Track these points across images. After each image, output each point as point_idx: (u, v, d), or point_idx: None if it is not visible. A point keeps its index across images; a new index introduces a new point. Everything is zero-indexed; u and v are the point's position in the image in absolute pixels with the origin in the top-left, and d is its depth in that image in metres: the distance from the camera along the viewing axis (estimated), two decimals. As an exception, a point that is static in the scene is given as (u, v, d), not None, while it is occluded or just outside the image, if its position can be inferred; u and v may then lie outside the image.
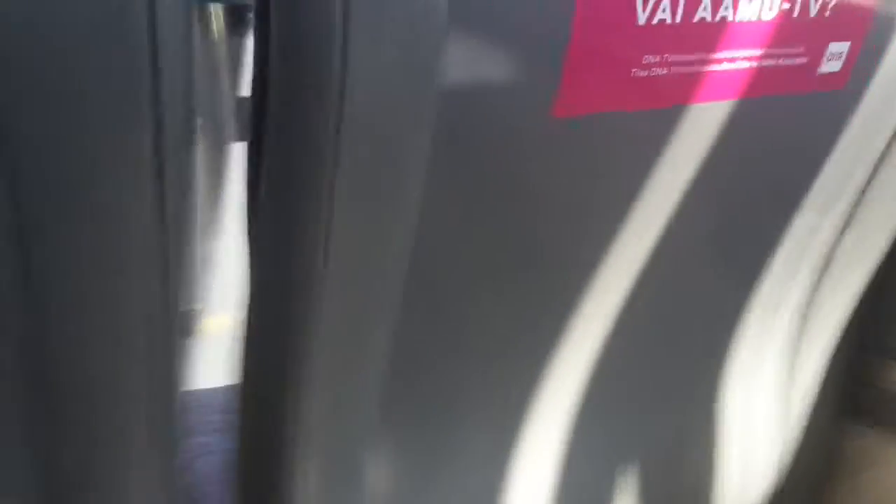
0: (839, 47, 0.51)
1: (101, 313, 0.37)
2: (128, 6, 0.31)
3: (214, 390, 0.86)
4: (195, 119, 0.37)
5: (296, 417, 0.46)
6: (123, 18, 0.31)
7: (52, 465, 0.40)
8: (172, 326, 0.39)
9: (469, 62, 0.42)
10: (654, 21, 0.44)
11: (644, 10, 0.43)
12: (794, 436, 0.72)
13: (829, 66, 0.52)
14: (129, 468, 0.42)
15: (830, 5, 0.49)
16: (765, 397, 0.70)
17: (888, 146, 0.59)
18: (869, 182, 0.60)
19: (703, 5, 0.45)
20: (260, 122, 0.41)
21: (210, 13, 1.44)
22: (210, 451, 0.73)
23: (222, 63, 1.46)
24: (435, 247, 0.47)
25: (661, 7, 0.44)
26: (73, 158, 0.33)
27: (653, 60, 0.45)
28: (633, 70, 0.45)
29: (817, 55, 0.51)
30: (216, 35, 1.44)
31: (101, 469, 0.41)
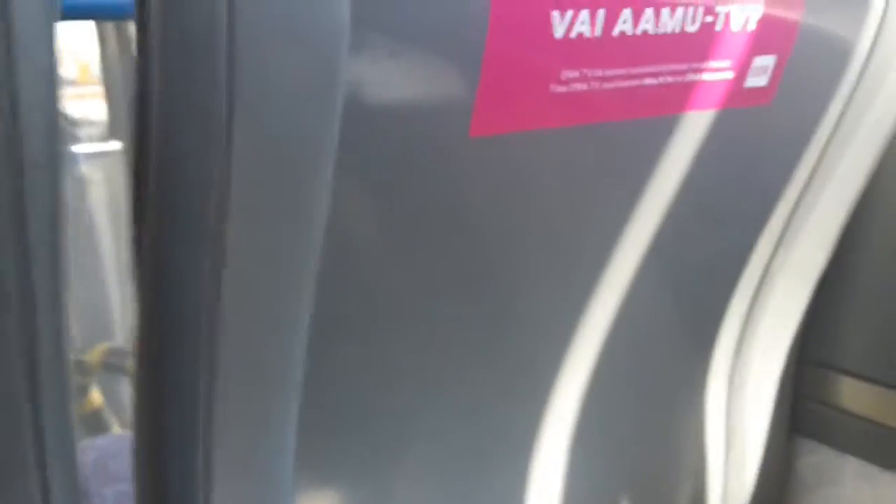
0: (764, 61, 0.50)
1: None
2: None
3: (120, 437, 0.82)
4: (60, 138, 0.33)
5: (194, 471, 0.42)
6: None
7: None
8: (59, 364, 0.35)
9: (379, 77, 0.39)
10: (573, 34, 0.42)
11: (561, 22, 0.41)
12: (746, 454, 0.71)
13: (755, 80, 0.50)
14: None
15: (754, 19, 0.48)
16: (714, 419, 0.69)
17: (818, 160, 0.57)
18: (802, 196, 0.59)
19: (622, 18, 0.43)
20: (142, 138, 0.37)
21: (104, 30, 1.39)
22: (132, 498, 0.69)
23: (120, 81, 1.41)
24: (345, 273, 0.44)
25: (580, 20, 0.41)
26: None
27: (572, 76, 0.43)
28: (552, 86, 0.43)
29: (743, 69, 0.49)
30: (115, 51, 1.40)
31: None
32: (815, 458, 0.73)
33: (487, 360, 0.53)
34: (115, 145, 1.53)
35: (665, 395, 0.65)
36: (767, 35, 0.49)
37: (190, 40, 0.33)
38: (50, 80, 0.31)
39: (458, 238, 0.47)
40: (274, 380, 0.43)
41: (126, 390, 1.50)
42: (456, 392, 0.53)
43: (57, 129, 0.32)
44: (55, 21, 0.31)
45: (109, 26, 1.39)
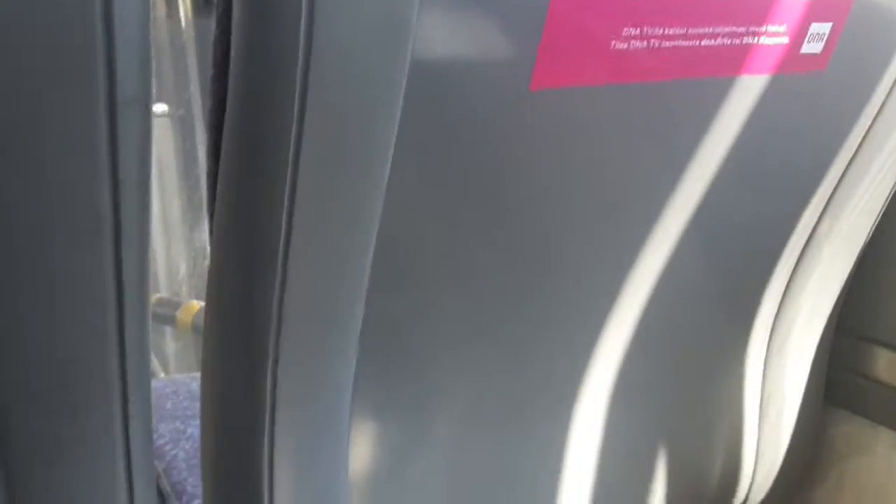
0: (821, 28, 0.50)
1: (58, 290, 0.35)
2: None
3: (192, 377, 0.84)
4: (150, 96, 0.35)
5: (262, 402, 0.44)
6: None
7: (17, 441, 0.38)
8: (141, 305, 0.37)
9: (442, 33, 0.41)
10: (635, -8, 0.43)
11: (625, -21, 0.42)
12: (781, 420, 0.72)
13: (811, 46, 0.51)
14: (99, 450, 0.40)
15: (813, -17, 0.48)
16: (751, 385, 0.70)
17: (869, 129, 0.58)
18: (850, 165, 0.59)
19: (685, -22, 0.44)
20: (221, 98, 0.39)
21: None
22: (186, 436, 0.72)
23: (190, 42, 1.43)
24: (410, 229, 0.45)
25: (643, -22, 0.42)
26: (24, 133, 0.31)
27: (633, 33, 0.44)
28: (613, 42, 0.44)
29: (799, 35, 0.50)
30: (185, 15, 1.42)
31: (68, 449, 0.39)
32: (848, 427, 0.74)
33: (532, 313, 0.55)
34: (161, 107, 1.55)
35: (705, 358, 0.66)
36: (824, 2, 0.49)
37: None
38: (143, 23, 0.33)
39: (510, 190, 0.49)
40: (335, 326, 0.45)
41: (169, 341, 1.53)
42: (502, 342, 0.55)
43: (147, 68, 0.33)
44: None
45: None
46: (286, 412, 0.44)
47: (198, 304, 1.39)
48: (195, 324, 1.35)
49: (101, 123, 0.32)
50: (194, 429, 0.75)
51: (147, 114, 0.35)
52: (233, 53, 0.37)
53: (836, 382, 0.73)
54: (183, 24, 1.41)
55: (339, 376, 0.46)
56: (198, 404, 0.76)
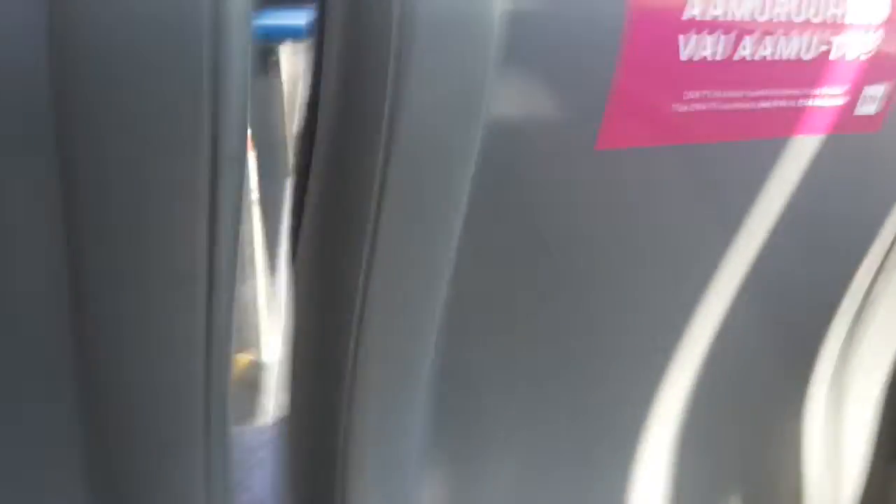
0: (875, 90, 0.52)
1: (154, 340, 0.37)
2: (194, 40, 0.32)
3: (249, 429, 0.86)
4: (246, 156, 0.37)
5: (347, 445, 0.46)
6: (190, 47, 0.32)
7: (104, 491, 0.40)
8: (223, 356, 0.39)
9: (516, 95, 0.43)
10: (697, 58, 0.45)
11: (687, 46, 0.44)
12: (843, 478, 0.71)
13: (865, 108, 0.52)
14: (185, 490, 0.42)
15: (868, 48, 0.50)
16: (812, 441, 0.69)
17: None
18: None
19: (743, 44, 0.45)
20: (307, 155, 0.41)
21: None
22: (246, 487, 0.73)
23: (278, 100, 1.48)
24: (476, 275, 0.47)
25: (704, 44, 0.44)
26: (132, 180, 0.34)
27: (694, 96, 0.46)
28: (675, 105, 0.46)
29: (854, 97, 0.51)
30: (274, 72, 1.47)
31: (157, 488, 0.41)
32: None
33: (595, 366, 0.56)
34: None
35: (763, 414, 0.66)
36: (879, 64, 0.51)
37: (361, 55, 0.37)
38: (243, 86, 0.35)
39: (574, 246, 0.50)
40: (407, 378, 0.46)
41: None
42: (564, 394, 0.56)
43: (245, 130, 0.36)
44: (251, 41, 0.36)
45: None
46: (360, 458, 0.46)
47: (245, 359, 1.41)
48: (243, 378, 1.37)
49: (204, 179, 0.35)
50: (252, 479, 0.76)
51: (243, 171, 0.38)
52: (321, 114, 0.39)
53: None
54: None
55: (411, 426, 0.48)
56: (254, 457, 0.78)
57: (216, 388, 0.41)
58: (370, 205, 0.40)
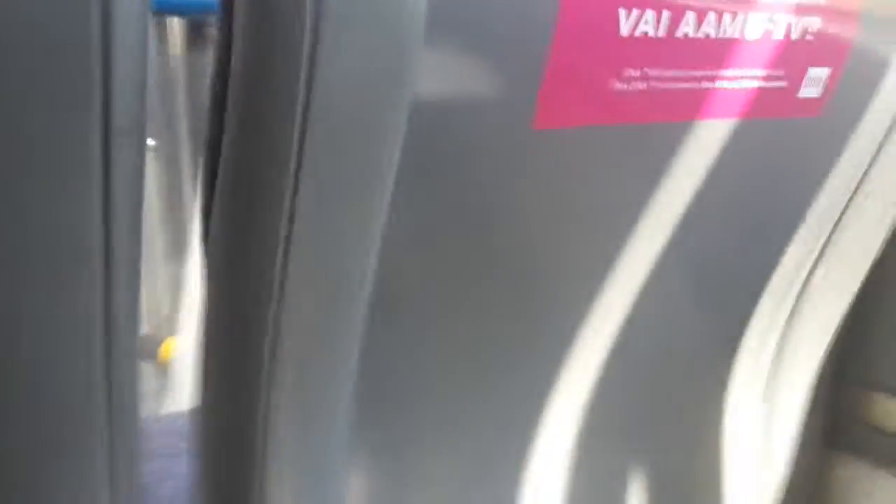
0: (819, 72, 0.50)
1: (43, 324, 0.34)
2: (82, 13, 0.29)
3: (176, 414, 0.83)
4: (145, 128, 0.34)
5: (265, 434, 0.43)
6: (77, 23, 0.29)
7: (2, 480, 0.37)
8: (128, 341, 0.36)
9: (446, 71, 0.40)
10: (637, 33, 0.42)
11: (627, 20, 0.42)
12: (779, 468, 0.71)
13: (808, 91, 0.51)
14: (86, 490, 0.38)
15: (812, 29, 0.48)
16: (748, 428, 0.69)
17: (864, 175, 0.58)
18: (844, 210, 0.59)
19: (686, 20, 0.44)
20: (217, 130, 0.38)
21: (167, 27, 1.41)
22: (172, 475, 0.70)
23: (180, 77, 1.43)
24: (407, 262, 0.45)
25: (644, 19, 0.42)
26: (17, 158, 0.30)
27: (634, 74, 0.44)
28: (614, 83, 0.43)
29: (797, 79, 0.50)
30: (175, 49, 1.42)
31: (54, 488, 0.38)
32: (848, 472, 0.73)
33: (525, 348, 0.54)
34: (149, 142, 1.55)
35: (684, 398, 0.66)
36: (824, 46, 0.50)
37: (274, 27, 0.34)
38: (140, 51, 0.32)
39: (506, 228, 0.48)
40: (332, 359, 0.44)
41: (149, 378, 1.51)
42: (496, 379, 0.54)
43: (143, 101, 0.33)
44: (148, 11, 0.33)
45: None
46: (281, 446, 0.44)
47: (178, 341, 1.37)
48: (176, 361, 1.33)
49: (95, 151, 0.32)
50: (180, 467, 0.73)
51: (141, 146, 0.34)
52: (232, 89, 0.37)
53: (837, 427, 0.72)
54: (172, 58, 1.41)
55: (334, 410, 0.46)
56: (183, 442, 0.74)
57: (119, 376, 0.38)
58: (287, 184, 0.37)
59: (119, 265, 0.35)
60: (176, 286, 1.55)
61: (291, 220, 0.38)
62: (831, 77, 0.51)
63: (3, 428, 0.36)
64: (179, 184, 1.54)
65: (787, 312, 0.65)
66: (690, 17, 0.43)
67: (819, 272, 0.62)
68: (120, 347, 0.37)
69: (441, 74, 0.40)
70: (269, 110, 0.36)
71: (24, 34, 0.29)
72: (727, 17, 0.45)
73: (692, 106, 0.47)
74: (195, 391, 0.45)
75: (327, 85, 0.35)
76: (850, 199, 0.59)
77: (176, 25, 1.39)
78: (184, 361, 1.31)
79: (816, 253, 0.62)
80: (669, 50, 0.44)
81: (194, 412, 0.46)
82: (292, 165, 0.37)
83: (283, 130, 0.36)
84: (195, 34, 1.41)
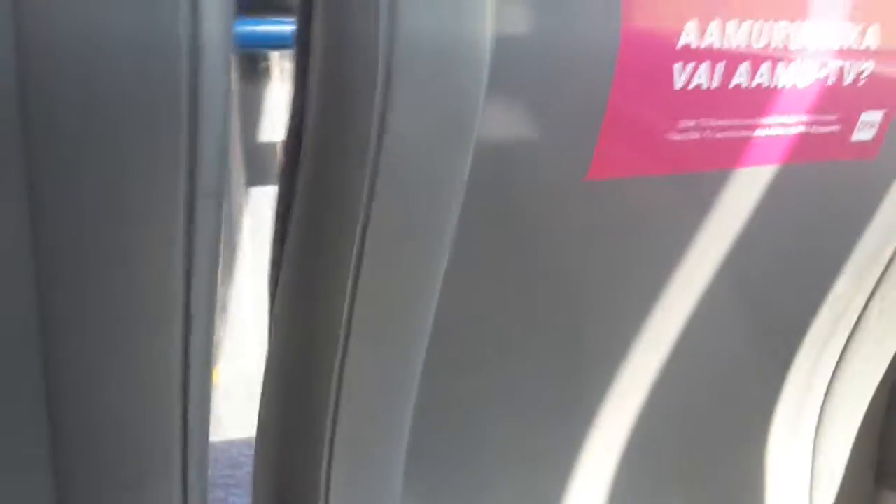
0: (872, 116, 0.51)
1: (124, 361, 0.36)
2: (172, 55, 0.31)
3: (227, 443, 0.84)
4: (229, 171, 0.36)
5: (315, 477, 0.44)
6: (167, 66, 0.31)
7: None
8: (203, 385, 0.38)
9: (506, 124, 0.42)
10: (691, 86, 0.44)
11: (682, 74, 0.43)
12: (823, 499, 0.70)
13: (862, 134, 0.51)
14: None
15: (864, 74, 0.49)
16: (795, 466, 0.69)
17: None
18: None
19: (739, 72, 0.44)
20: (291, 176, 0.40)
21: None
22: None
23: (234, 111, 1.47)
24: (461, 307, 0.46)
25: (698, 73, 0.43)
26: (106, 203, 0.32)
27: (688, 125, 0.45)
28: (668, 134, 0.44)
29: (850, 123, 0.50)
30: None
31: None
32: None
33: (579, 390, 0.55)
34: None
35: (730, 437, 0.66)
36: (876, 90, 0.50)
37: (349, 66, 0.36)
38: (224, 116, 0.34)
39: (563, 274, 0.49)
40: (390, 407, 0.45)
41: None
42: (552, 421, 0.55)
43: (226, 162, 0.35)
44: (230, 56, 0.34)
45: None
46: (340, 490, 0.45)
47: (222, 369, 1.39)
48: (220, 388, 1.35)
49: (180, 217, 0.33)
50: (235, 497, 0.75)
51: (220, 209, 0.36)
52: (305, 136, 0.38)
53: (887, 465, 0.72)
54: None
55: (393, 455, 0.47)
56: (238, 472, 0.76)
57: (193, 416, 0.40)
58: (355, 228, 0.39)
59: (197, 318, 0.37)
60: (221, 313, 1.58)
61: (359, 267, 0.40)
62: (885, 120, 0.51)
63: (91, 460, 0.38)
64: (229, 209, 1.58)
65: (839, 350, 0.65)
66: (743, 68, 0.44)
67: (874, 308, 0.62)
68: (196, 390, 0.39)
69: (501, 125, 0.42)
70: (342, 161, 0.38)
71: (116, 97, 0.30)
72: (780, 67, 0.45)
73: (745, 153, 0.48)
74: (259, 424, 0.47)
75: (397, 135, 0.36)
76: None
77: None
78: (228, 389, 1.34)
79: (870, 289, 0.62)
80: (723, 100, 0.45)
81: (246, 444, 0.48)
82: (361, 213, 0.38)
83: (354, 178, 0.37)
84: (248, 67, 1.44)
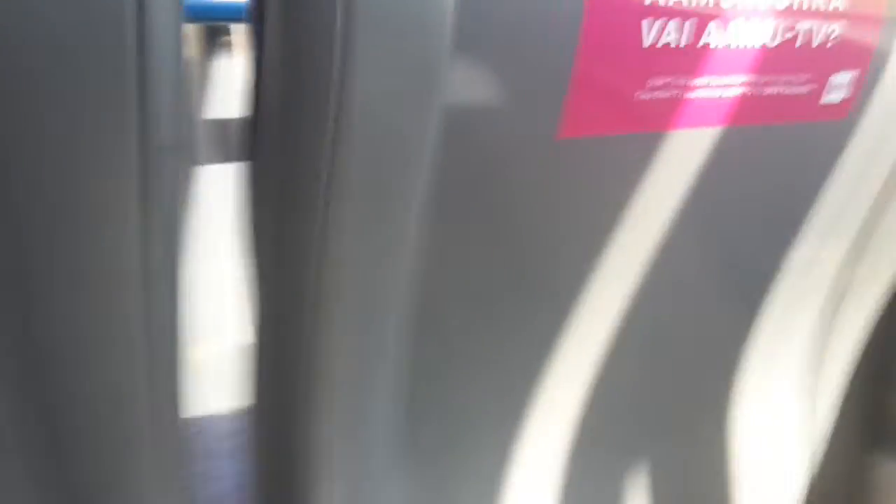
0: (842, 78, 0.50)
1: (89, 328, 0.35)
2: (116, 18, 0.29)
3: (214, 417, 0.84)
4: (187, 137, 0.35)
5: (310, 438, 0.44)
6: (111, 6, 0.29)
7: (56, 491, 0.38)
8: (170, 350, 0.37)
9: (473, 84, 0.41)
10: (659, 44, 0.43)
11: (650, 31, 0.42)
12: (814, 466, 0.71)
13: (832, 96, 0.51)
14: (135, 493, 0.39)
15: (834, 36, 0.48)
16: (781, 426, 0.69)
17: (890, 176, 0.58)
18: (878, 212, 0.59)
19: (708, 30, 0.44)
20: (254, 143, 0.39)
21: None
22: (217, 475, 0.71)
23: (193, 84, 1.44)
24: (435, 267, 0.45)
25: (667, 31, 0.42)
26: (56, 157, 0.31)
27: (657, 84, 0.44)
28: (638, 93, 0.43)
29: (820, 85, 0.50)
30: (190, 55, 1.42)
31: (104, 495, 0.39)
32: (888, 470, 0.72)
33: (542, 338, 0.55)
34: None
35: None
36: (846, 52, 0.49)
37: (307, 33, 0.35)
38: (176, 69, 0.32)
39: (535, 234, 0.48)
40: (371, 368, 0.45)
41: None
42: (510, 365, 0.54)
43: (182, 116, 0.33)
44: (181, 21, 0.33)
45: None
46: (324, 455, 0.44)
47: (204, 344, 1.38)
48: (213, 364, 1.33)
49: (134, 170, 0.32)
50: (222, 469, 0.74)
51: (180, 165, 0.35)
52: (262, 105, 0.37)
53: (876, 428, 0.72)
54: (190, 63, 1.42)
55: (374, 416, 0.46)
56: (225, 444, 0.75)
57: (163, 385, 0.39)
58: (319, 193, 0.38)
59: (159, 281, 0.35)
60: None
61: (325, 232, 0.39)
62: (855, 82, 0.51)
63: (62, 431, 0.37)
64: (190, 187, 1.55)
65: (826, 312, 0.65)
66: (712, 27, 0.43)
67: (858, 272, 0.62)
68: (162, 356, 0.38)
69: (468, 84, 0.40)
70: (302, 121, 0.37)
71: (60, 40, 0.29)
72: (748, 27, 0.45)
73: (715, 114, 0.47)
74: (247, 395, 0.46)
75: (359, 97, 0.36)
76: (877, 200, 0.59)
77: (191, 31, 1.40)
78: (210, 364, 1.32)
79: (851, 253, 0.61)
80: (692, 59, 0.44)
81: (244, 415, 0.47)
82: (324, 177, 0.37)
83: (316, 140, 0.36)
84: (209, 40, 1.42)
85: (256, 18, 0.36)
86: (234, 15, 0.81)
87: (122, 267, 0.33)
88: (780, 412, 0.69)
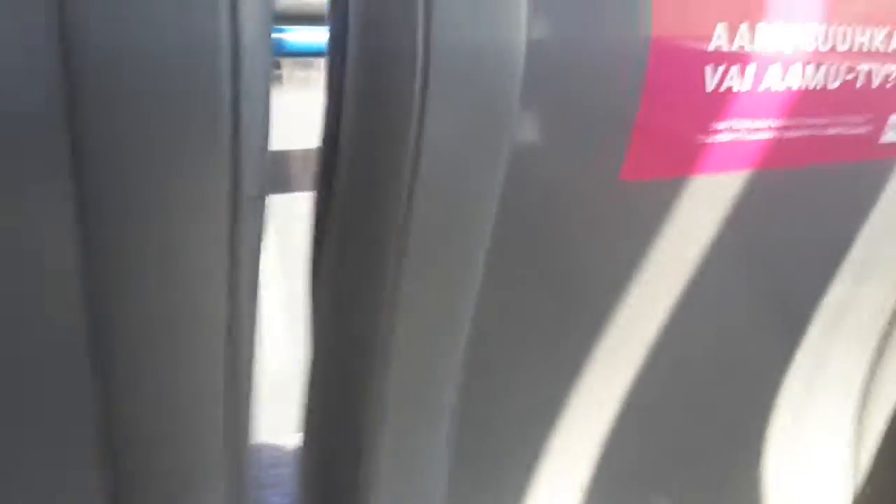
0: (900, 117, 0.51)
1: (175, 372, 0.36)
2: (213, 57, 0.31)
3: (259, 446, 0.85)
4: (267, 174, 0.36)
5: (364, 478, 0.45)
6: (209, 67, 0.31)
7: None
8: (249, 384, 0.38)
9: (539, 126, 0.42)
10: (722, 88, 0.44)
11: (713, 77, 0.43)
12: (861, 485, 0.70)
13: (891, 136, 0.51)
14: None
15: (893, 77, 0.49)
16: (817, 477, 0.68)
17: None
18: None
19: (769, 73, 0.45)
20: (328, 183, 0.40)
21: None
22: None
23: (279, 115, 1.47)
24: (499, 307, 0.46)
25: (730, 75, 0.43)
26: (153, 204, 0.33)
27: (719, 127, 0.45)
28: (700, 136, 0.45)
29: (879, 125, 0.50)
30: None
31: None
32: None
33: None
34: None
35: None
36: (905, 92, 0.50)
37: (386, 75, 0.36)
38: (264, 119, 0.34)
39: (596, 275, 0.49)
40: (432, 404, 0.46)
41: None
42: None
43: (266, 166, 0.35)
44: (269, 60, 0.35)
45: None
46: (378, 487, 0.45)
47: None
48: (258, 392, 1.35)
49: (226, 216, 0.34)
50: (275, 497, 0.75)
51: (263, 209, 0.36)
52: (342, 142, 0.38)
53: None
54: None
55: (431, 454, 0.47)
56: (276, 472, 0.76)
57: (239, 421, 0.40)
58: (394, 235, 0.39)
59: (241, 326, 0.37)
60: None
61: (399, 269, 0.40)
62: (913, 121, 0.51)
63: (136, 457, 0.38)
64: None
65: (874, 353, 0.64)
66: (774, 70, 0.44)
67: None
68: (241, 393, 0.39)
69: (534, 127, 0.42)
70: (380, 168, 0.38)
71: (160, 97, 0.31)
72: (808, 70, 0.46)
73: (777, 155, 0.48)
74: (302, 426, 0.47)
75: (435, 139, 0.37)
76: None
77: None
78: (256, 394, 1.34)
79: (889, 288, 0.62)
80: (754, 103, 0.45)
81: (290, 446, 0.48)
82: (400, 216, 0.39)
83: (394, 182, 0.38)
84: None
85: (336, 56, 0.38)
86: (311, 50, 0.83)
87: (210, 312, 0.35)
88: (818, 462, 0.69)
